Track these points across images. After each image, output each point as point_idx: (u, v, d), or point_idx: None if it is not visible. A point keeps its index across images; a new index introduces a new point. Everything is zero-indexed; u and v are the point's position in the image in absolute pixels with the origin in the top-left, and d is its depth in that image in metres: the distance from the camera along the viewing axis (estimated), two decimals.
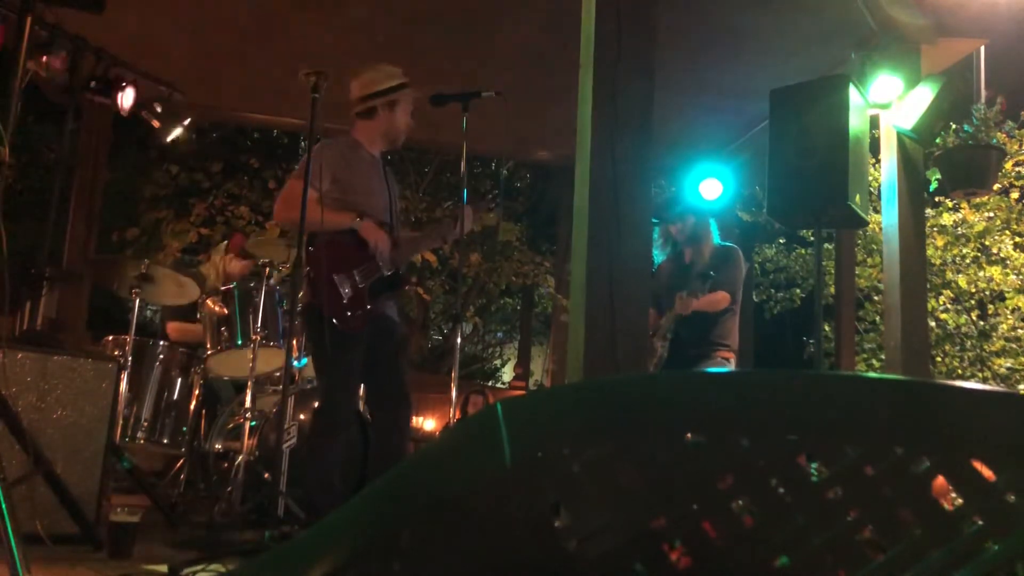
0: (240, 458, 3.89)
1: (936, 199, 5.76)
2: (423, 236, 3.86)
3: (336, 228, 3.33)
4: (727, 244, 4.43)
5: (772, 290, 8.12)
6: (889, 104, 4.18)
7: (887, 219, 4.21)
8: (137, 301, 4.31)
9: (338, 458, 3.29)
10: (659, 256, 4.50)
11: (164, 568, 2.82)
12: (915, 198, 4.19)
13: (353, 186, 3.40)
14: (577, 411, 0.75)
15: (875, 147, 4.29)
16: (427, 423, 8.25)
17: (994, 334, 6.14)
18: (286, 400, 3.30)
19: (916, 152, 4.22)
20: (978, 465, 0.64)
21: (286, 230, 3.70)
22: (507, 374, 16.75)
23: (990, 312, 6.27)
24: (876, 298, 6.81)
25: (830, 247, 6.27)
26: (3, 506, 2.03)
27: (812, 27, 4.48)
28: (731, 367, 4.21)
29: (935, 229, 6.13)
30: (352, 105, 3.53)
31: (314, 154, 3.36)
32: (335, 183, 3.36)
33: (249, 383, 4.09)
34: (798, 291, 8.03)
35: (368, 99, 3.48)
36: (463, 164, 3.67)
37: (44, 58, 3.91)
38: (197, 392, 4.67)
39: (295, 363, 4.21)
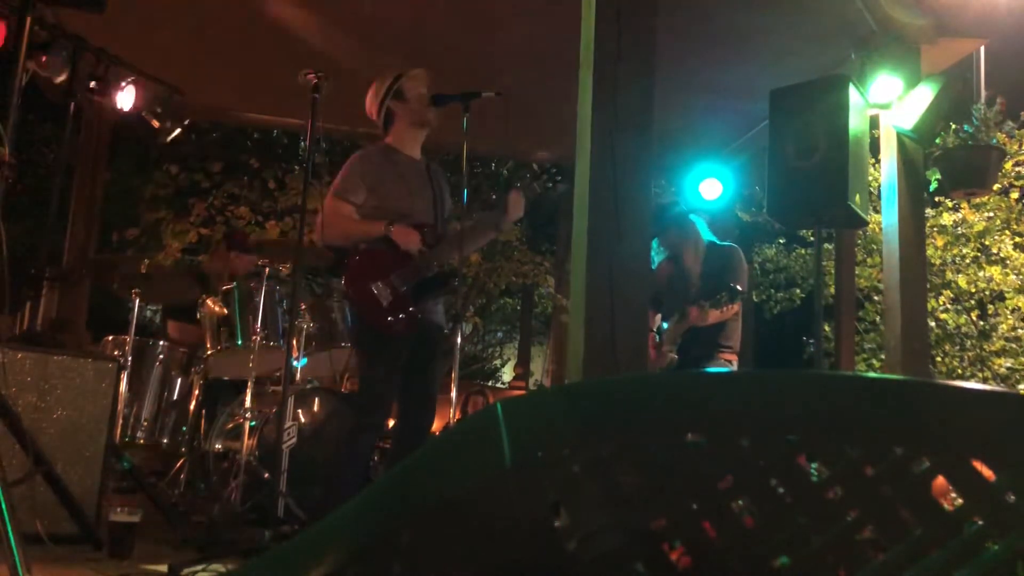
0: (240, 458, 3.89)
1: (936, 199, 5.75)
2: (470, 229, 3.54)
3: (371, 237, 3.34)
4: (727, 244, 4.42)
5: (772, 290, 8.13)
6: (889, 104, 4.18)
7: (887, 219, 4.21)
8: (137, 301, 4.31)
9: (366, 459, 3.30)
10: (656, 256, 4.48)
11: (164, 568, 2.82)
12: (915, 198, 4.19)
13: (391, 192, 3.40)
14: (577, 411, 0.75)
15: (875, 147, 4.29)
16: None
17: (994, 334, 6.14)
18: (286, 400, 3.30)
19: (916, 152, 4.22)
20: (978, 465, 0.64)
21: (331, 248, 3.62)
22: (507, 374, 16.76)
23: (990, 312, 6.28)
24: (876, 298, 6.81)
25: (830, 247, 6.27)
26: (3, 506, 2.03)
27: (812, 27, 4.48)
28: (733, 368, 4.21)
29: (935, 229, 6.13)
30: (377, 124, 3.56)
31: (351, 167, 3.40)
32: (371, 192, 3.37)
33: (249, 383, 4.09)
34: (798, 291, 8.04)
35: (381, 106, 3.50)
36: (463, 164, 3.67)
37: (44, 58, 3.91)
38: (197, 392, 4.67)
39: (295, 363, 4.21)
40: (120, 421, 3.94)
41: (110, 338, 4.72)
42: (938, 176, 4.19)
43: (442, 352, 3.56)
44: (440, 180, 3.64)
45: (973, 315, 6.30)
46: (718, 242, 4.40)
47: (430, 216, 3.49)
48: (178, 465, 4.56)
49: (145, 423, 4.55)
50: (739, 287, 3.90)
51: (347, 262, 3.35)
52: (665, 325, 4.16)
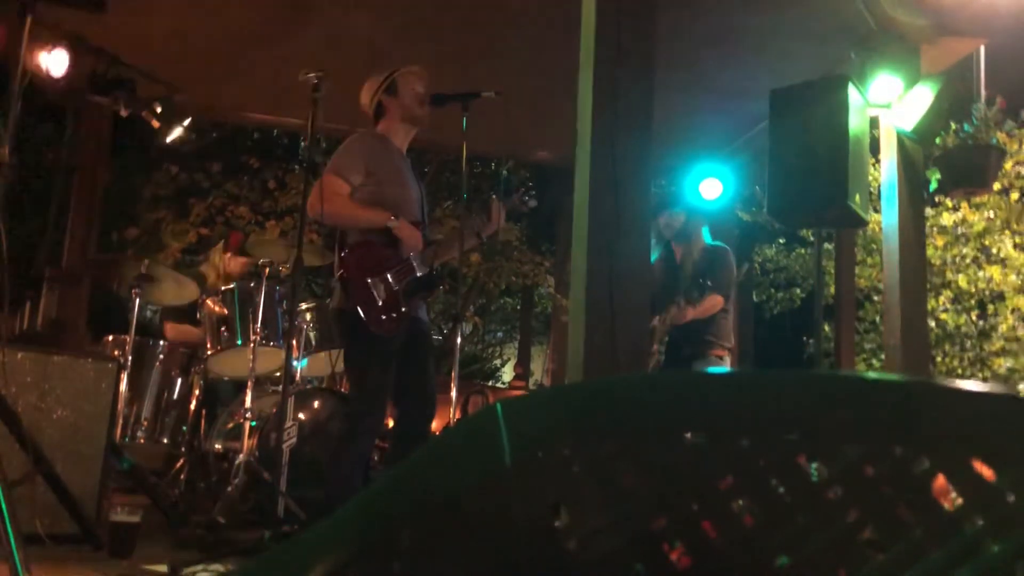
0: (240, 458, 3.89)
1: (936, 199, 5.75)
2: (454, 235, 3.66)
3: (369, 225, 3.30)
4: (717, 244, 4.44)
5: (772, 290, 8.14)
6: (889, 104, 4.18)
7: (887, 219, 4.22)
8: (137, 301, 4.30)
9: (363, 464, 3.28)
10: (653, 253, 4.50)
11: (164, 568, 2.82)
12: (915, 198, 4.19)
13: (386, 178, 3.37)
14: (577, 411, 0.75)
15: (875, 147, 4.29)
16: None
17: (994, 334, 6.14)
18: (286, 400, 3.30)
19: (916, 152, 4.22)
20: (978, 465, 0.64)
21: (317, 222, 3.62)
22: (507, 374, 16.76)
23: (990, 312, 6.28)
24: (876, 298, 6.81)
25: (830, 247, 6.27)
26: (3, 506, 2.03)
27: (812, 27, 4.48)
28: (726, 366, 4.22)
29: (935, 229, 6.13)
30: (369, 118, 3.54)
31: (349, 146, 3.36)
32: (369, 175, 3.33)
33: (249, 383, 4.09)
34: (798, 291, 8.05)
35: (372, 100, 3.49)
36: (463, 164, 3.67)
37: (44, 58, 3.92)
38: (197, 392, 4.67)
39: (295, 363, 4.21)
40: (120, 421, 3.93)
41: (110, 338, 4.72)
42: (938, 176, 4.19)
43: (431, 344, 3.54)
44: (421, 182, 3.64)
45: (973, 315, 6.30)
46: (709, 243, 4.43)
47: (418, 213, 3.48)
48: (178, 465, 4.56)
49: (145, 423, 4.55)
50: (709, 283, 3.94)
51: (345, 252, 3.30)
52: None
